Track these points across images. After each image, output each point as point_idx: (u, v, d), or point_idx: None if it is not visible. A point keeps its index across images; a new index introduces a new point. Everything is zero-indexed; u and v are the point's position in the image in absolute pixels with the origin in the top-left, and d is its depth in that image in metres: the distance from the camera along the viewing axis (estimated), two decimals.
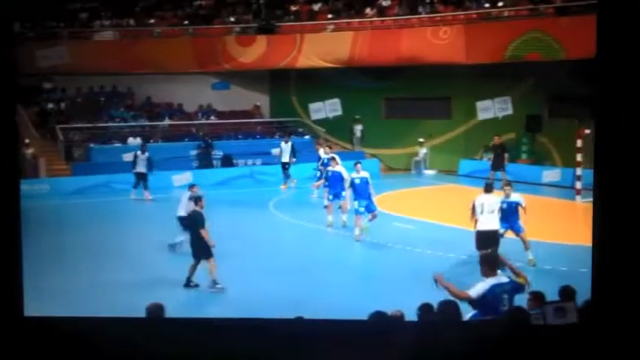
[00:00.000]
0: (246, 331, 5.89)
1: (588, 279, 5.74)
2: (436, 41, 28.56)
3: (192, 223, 14.25)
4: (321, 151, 24.90)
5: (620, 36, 5.37)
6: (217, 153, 30.49)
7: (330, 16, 32.38)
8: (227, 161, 30.38)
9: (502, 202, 15.22)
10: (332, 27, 31.89)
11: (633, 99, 5.36)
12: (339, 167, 20.05)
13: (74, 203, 24.67)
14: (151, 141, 30.37)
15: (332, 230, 19.49)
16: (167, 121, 32.97)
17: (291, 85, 34.87)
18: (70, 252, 16.94)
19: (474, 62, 27.87)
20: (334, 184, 19.67)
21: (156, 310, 7.77)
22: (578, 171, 23.84)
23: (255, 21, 33.27)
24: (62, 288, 13.73)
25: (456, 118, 31.54)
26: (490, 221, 14.80)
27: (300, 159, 28.24)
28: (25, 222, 5.74)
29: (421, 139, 31.54)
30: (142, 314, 7.68)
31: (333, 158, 21.14)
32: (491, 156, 27.85)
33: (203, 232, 13.95)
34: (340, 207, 19.55)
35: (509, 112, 29.73)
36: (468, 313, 8.16)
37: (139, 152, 25.21)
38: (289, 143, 27.71)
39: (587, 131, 22.93)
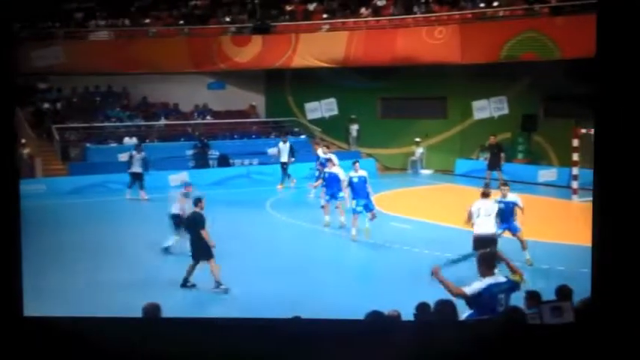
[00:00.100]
0: (244, 330, 5.89)
1: (585, 278, 5.76)
2: (431, 41, 28.60)
3: (193, 224, 14.24)
4: (320, 151, 24.98)
5: (621, 35, 5.37)
6: (213, 153, 30.51)
7: (325, 15, 32.41)
8: (223, 161, 30.40)
9: (499, 202, 15.21)
10: (327, 27, 31.91)
11: (633, 98, 5.37)
12: (335, 168, 20.10)
13: (71, 203, 24.66)
14: (147, 141, 30.37)
15: (329, 230, 19.52)
16: (163, 121, 32.96)
17: (287, 85, 34.87)
18: (67, 252, 16.93)
19: (470, 62, 27.93)
20: (331, 185, 19.71)
21: (152, 310, 7.73)
22: (574, 170, 23.89)
23: (250, 21, 33.28)
24: (60, 288, 13.73)
25: (452, 118, 31.59)
26: (487, 225, 14.68)
27: (297, 159, 28.26)
28: (21, 222, 5.75)
29: (417, 139, 31.59)
30: (139, 314, 7.68)
31: (330, 160, 21.15)
32: (488, 155, 27.91)
33: (204, 233, 13.97)
34: (337, 207, 19.59)
35: (505, 111, 29.76)
36: (464, 312, 8.17)
37: (134, 152, 25.23)
38: (287, 143, 27.74)
39: (583, 130, 22.99)
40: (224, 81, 34.79)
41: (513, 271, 8.56)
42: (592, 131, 21.36)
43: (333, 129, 33.36)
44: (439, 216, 20.89)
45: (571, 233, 17.58)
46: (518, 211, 15.49)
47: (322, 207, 20.04)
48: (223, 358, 5.71)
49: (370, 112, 33.13)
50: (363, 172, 18.62)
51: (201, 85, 34.48)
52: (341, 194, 19.32)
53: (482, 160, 29.02)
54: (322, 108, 33.64)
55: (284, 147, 27.64)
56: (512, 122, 29.28)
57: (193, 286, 14.13)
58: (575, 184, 23.88)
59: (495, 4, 28.66)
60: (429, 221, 20.69)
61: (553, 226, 19.70)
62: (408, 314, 7.65)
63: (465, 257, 8.96)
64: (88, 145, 30.11)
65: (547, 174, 27.98)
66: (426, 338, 5.89)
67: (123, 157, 27.04)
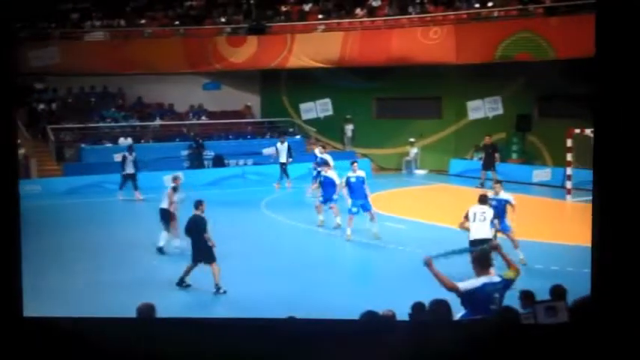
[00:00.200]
0: (239, 330, 5.91)
1: (579, 278, 5.77)
2: (426, 41, 28.65)
3: (194, 227, 14.21)
4: (317, 150, 25.08)
5: (620, 34, 5.39)
6: (208, 153, 30.51)
7: (320, 16, 32.45)
8: (218, 161, 30.40)
9: (491, 199, 15.16)
10: (322, 27, 31.95)
11: (633, 98, 5.39)
12: (330, 172, 20.13)
13: (66, 203, 24.65)
14: (142, 141, 30.44)
15: (323, 230, 19.54)
16: (158, 122, 32.95)
17: (282, 85, 34.89)
18: (64, 252, 16.96)
19: (464, 62, 28.00)
20: (326, 189, 19.74)
21: (147, 310, 7.71)
22: (569, 170, 23.94)
23: (245, 21, 33.32)
24: (59, 288, 13.75)
25: (447, 118, 31.64)
26: (482, 229, 14.53)
27: (293, 159, 28.27)
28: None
29: (412, 139, 31.61)
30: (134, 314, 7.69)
31: (326, 162, 21.19)
32: (482, 155, 27.96)
33: (206, 237, 13.98)
34: (331, 208, 19.62)
35: (500, 111, 29.84)
36: (458, 312, 8.19)
37: (126, 153, 25.34)
38: (285, 144, 27.78)
39: (577, 131, 23.04)
40: (219, 81, 34.80)
41: (510, 265, 8.55)
42: (586, 131, 21.46)
43: (328, 129, 33.40)
44: (433, 216, 20.94)
45: (565, 233, 17.64)
46: (509, 209, 15.45)
47: (316, 207, 20.08)
48: (218, 358, 5.73)
49: (365, 112, 33.16)
50: (361, 173, 18.65)
51: (196, 85, 34.49)
52: (335, 197, 19.37)
53: (477, 160, 29.07)
54: (317, 108, 33.71)
55: (282, 147, 27.67)
56: (507, 122, 29.36)
57: (188, 286, 14.13)
58: (569, 184, 23.93)
59: (490, 4, 28.74)
60: (423, 221, 20.73)
61: (547, 226, 19.74)
62: (402, 314, 7.69)
63: (459, 252, 8.89)
64: (83, 145, 30.09)
65: (541, 174, 28.04)
66: (421, 338, 5.91)
67: (118, 157, 27.06)
